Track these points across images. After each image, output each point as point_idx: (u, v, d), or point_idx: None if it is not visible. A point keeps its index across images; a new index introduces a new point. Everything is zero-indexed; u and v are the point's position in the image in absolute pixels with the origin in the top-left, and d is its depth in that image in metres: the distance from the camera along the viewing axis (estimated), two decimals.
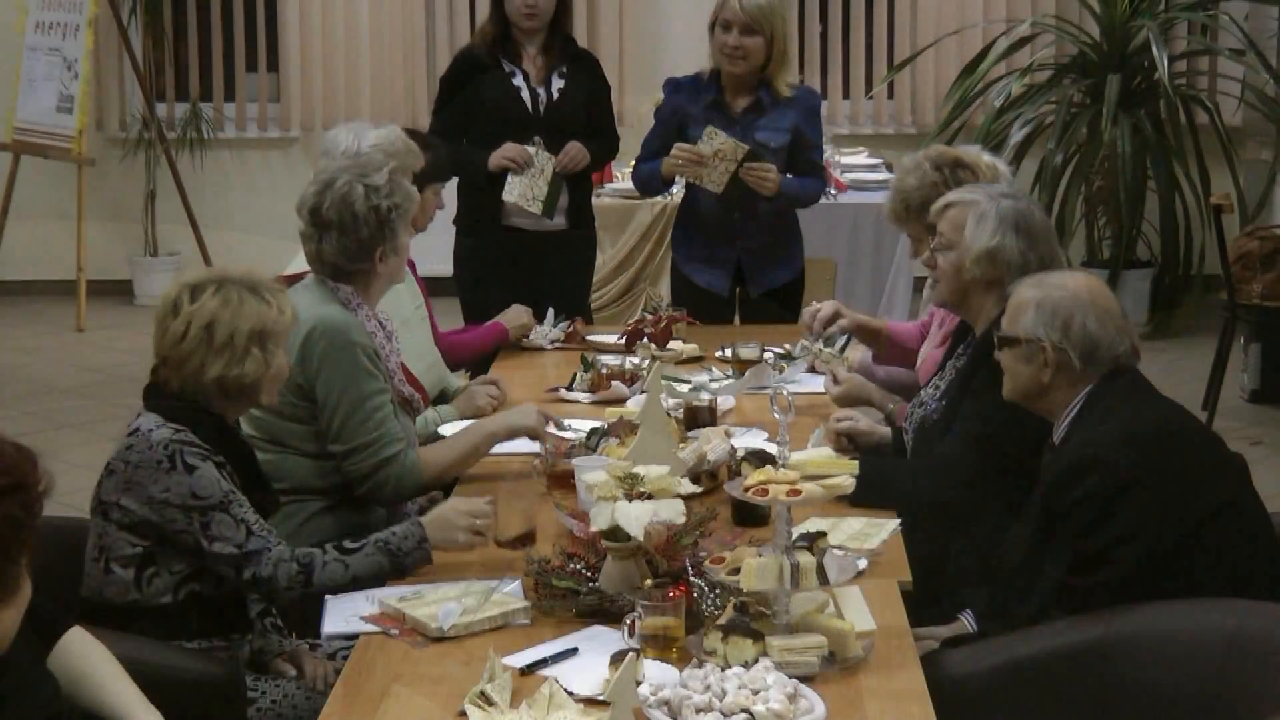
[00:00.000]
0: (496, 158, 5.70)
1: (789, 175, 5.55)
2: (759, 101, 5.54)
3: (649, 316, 5.19)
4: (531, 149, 5.72)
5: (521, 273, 5.80)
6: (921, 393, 4.02)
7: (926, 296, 4.59)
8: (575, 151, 5.75)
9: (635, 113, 9.29)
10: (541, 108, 5.75)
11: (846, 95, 9.73)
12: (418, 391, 4.10)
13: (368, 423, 3.80)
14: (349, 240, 3.89)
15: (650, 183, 5.76)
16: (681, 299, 5.72)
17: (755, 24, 5.43)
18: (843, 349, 4.82)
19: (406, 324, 4.49)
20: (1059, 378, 3.39)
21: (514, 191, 5.72)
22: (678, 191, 7.66)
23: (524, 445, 4.13)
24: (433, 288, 5.29)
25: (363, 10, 9.60)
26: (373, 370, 3.82)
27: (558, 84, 5.78)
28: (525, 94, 5.75)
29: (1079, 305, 3.39)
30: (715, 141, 5.42)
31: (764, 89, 5.53)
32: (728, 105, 5.56)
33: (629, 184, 7.82)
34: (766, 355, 4.83)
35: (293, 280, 3.98)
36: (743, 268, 5.65)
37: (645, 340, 5.05)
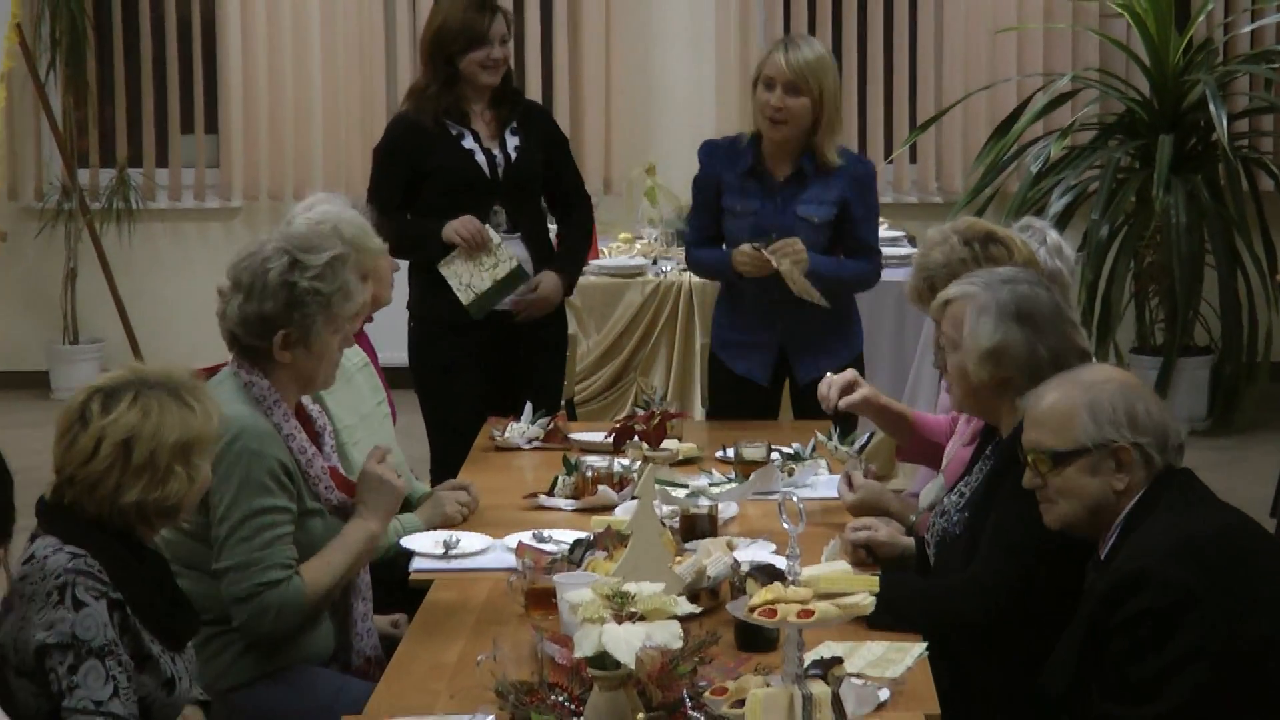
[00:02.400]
0: (450, 229, 5.72)
1: (831, 260, 5.60)
2: (802, 170, 5.60)
3: (640, 412, 5.21)
4: (494, 236, 5.75)
5: (485, 361, 5.84)
6: (945, 500, 4.02)
7: (944, 401, 4.62)
8: (541, 303, 5.80)
9: (623, 181, 9.37)
10: (500, 170, 5.80)
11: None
12: (353, 497, 4.10)
13: (252, 540, 3.78)
14: (250, 308, 3.87)
15: (722, 274, 5.75)
16: (718, 390, 5.76)
17: (801, 82, 5.49)
18: (861, 448, 4.84)
19: (366, 420, 4.51)
20: (1134, 479, 3.41)
21: (450, 266, 5.75)
22: (673, 269, 7.74)
23: (498, 561, 4.15)
24: (401, 379, 5.34)
25: (314, 66, 9.67)
26: (272, 485, 3.80)
27: (513, 141, 5.83)
28: (480, 157, 5.79)
29: (1133, 393, 3.43)
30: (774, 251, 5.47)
31: (808, 156, 5.60)
32: (767, 173, 5.63)
33: (617, 259, 7.89)
34: (774, 456, 4.85)
35: (212, 372, 4.01)
36: (787, 353, 5.71)
37: (636, 439, 5.07)
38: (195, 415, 3.35)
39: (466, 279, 5.75)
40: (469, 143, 5.79)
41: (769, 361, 5.72)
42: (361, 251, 4.38)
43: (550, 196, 6.02)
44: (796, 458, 4.93)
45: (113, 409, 3.29)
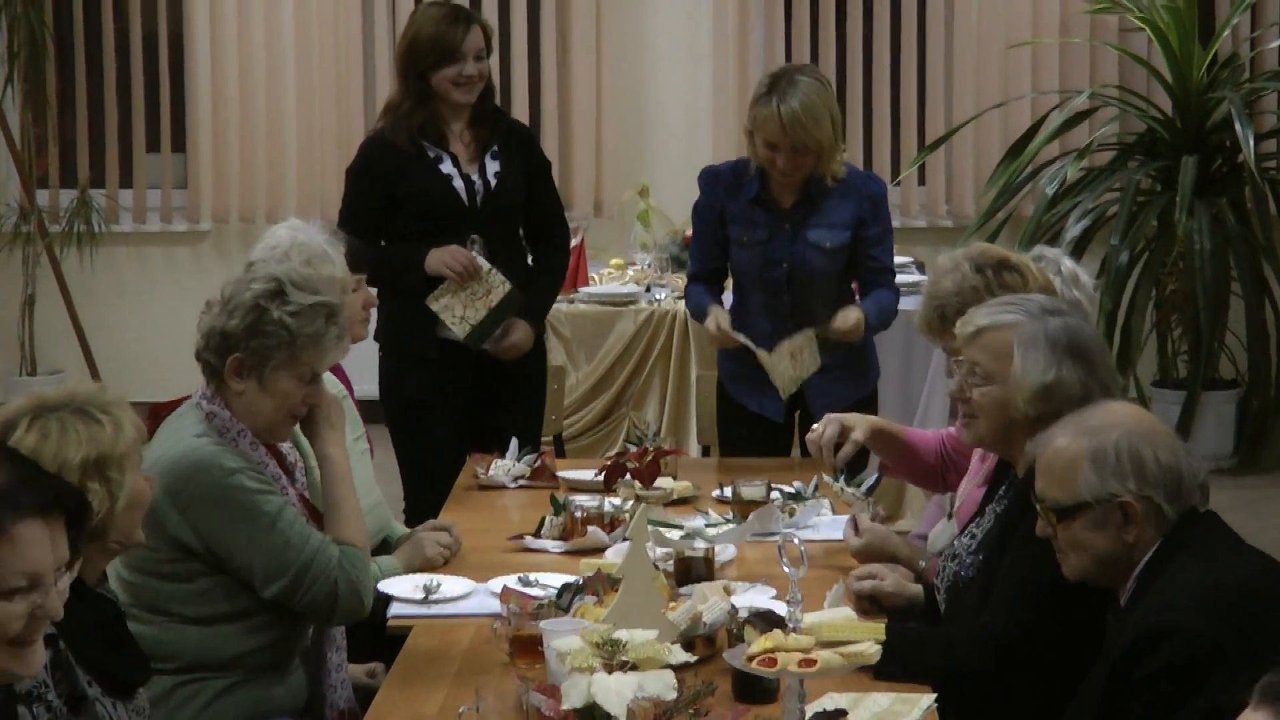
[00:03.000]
0: (438, 262, 5.71)
1: (861, 303, 5.65)
2: (810, 195, 5.64)
3: (632, 449, 5.21)
4: (483, 263, 5.75)
5: (458, 396, 5.84)
6: (955, 543, 4.02)
7: (958, 432, 4.62)
8: (511, 350, 5.84)
9: (615, 204, 9.38)
10: (478, 198, 5.79)
11: None
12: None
13: (291, 544, 3.83)
14: (217, 320, 3.91)
15: (698, 319, 5.87)
16: (729, 429, 5.76)
17: (801, 142, 5.50)
18: (870, 489, 4.83)
19: None
20: (1145, 532, 3.38)
21: (441, 301, 5.75)
22: (667, 296, 7.75)
23: (481, 606, 4.14)
24: (377, 413, 5.33)
25: (288, 81, 9.68)
26: (263, 487, 3.85)
27: (493, 166, 5.82)
28: (458, 182, 5.77)
29: (1140, 438, 3.39)
30: (785, 347, 5.55)
31: (815, 179, 5.63)
32: (774, 201, 5.66)
33: (608, 287, 7.90)
34: (774, 496, 4.85)
35: (174, 406, 4.02)
36: (802, 387, 5.72)
37: (628, 477, 5.08)
38: (104, 429, 3.30)
39: (459, 311, 5.74)
40: (447, 167, 5.78)
41: (780, 397, 5.74)
42: (342, 304, 4.34)
43: (526, 224, 5.98)
44: (798, 497, 4.93)
45: (9, 437, 3.25)
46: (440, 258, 5.71)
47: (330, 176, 9.59)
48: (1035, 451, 3.50)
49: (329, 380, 4.40)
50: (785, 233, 5.63)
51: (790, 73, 5.57)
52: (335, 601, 3.87)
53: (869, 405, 5.71)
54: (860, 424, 4.76)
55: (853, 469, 4.97)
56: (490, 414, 5.86)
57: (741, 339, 5.59)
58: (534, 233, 6.00)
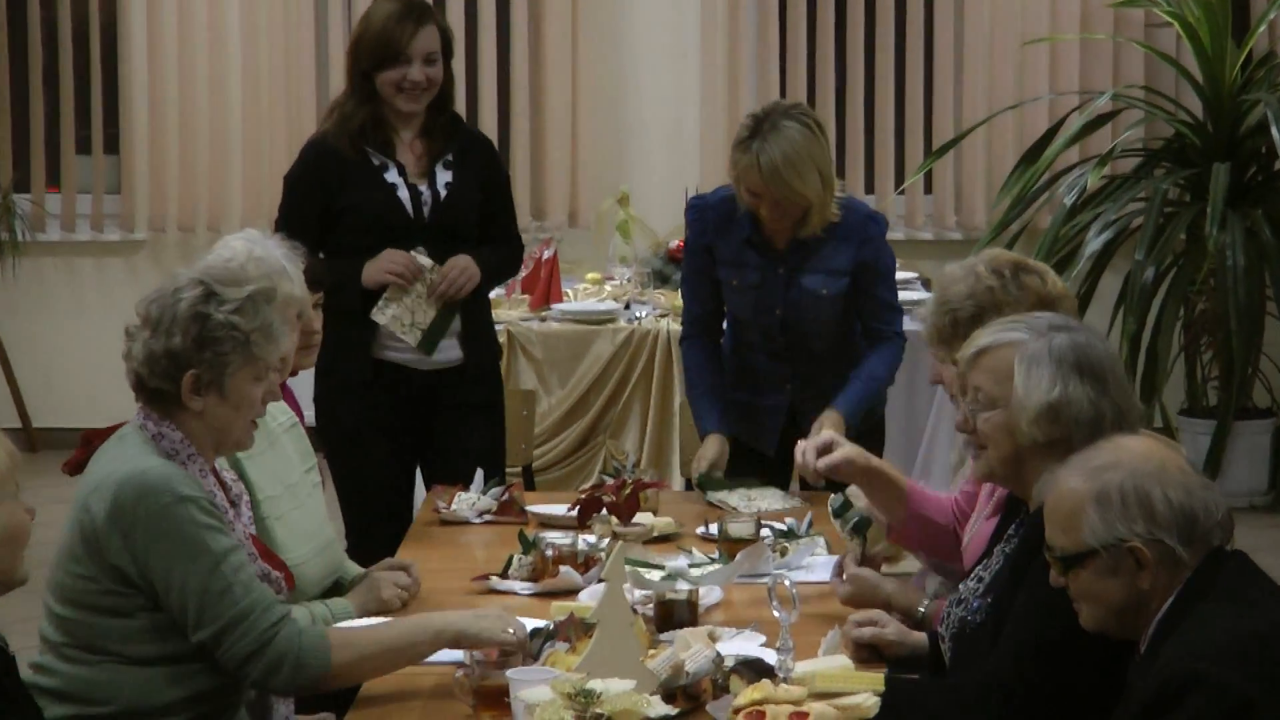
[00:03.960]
0: (376, 270, 5.70)
1: (856, 386, 5.60)
2: (802, 238, 5.59)
3: (609, 481, 5.21)
4: (425, 261, 5.75)
5: (398, 424, 5.84)
6: (962, 586, 4.02)
7: (956, 460, 4.61)
8: (458, 273, 5.75)
9: (592, 213, 9.39)
10: (425, 210, 5.77)
11: (870, 189, 9.84)
12: (277, 570, 4.10)
13: (232, 589, 3.79)
14: (157, 343, 3.88)
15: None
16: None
17: (784, 197, 5.44)
18: (857, 527, 4.73)
19: (292, 490, 4.50)
20: (1160, 577, 3.39)
21: (387, 312, 5.75)
22: (649, 314, 7.76)
23: (442, 653, 4.14)
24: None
25: (233, 78, 9.70)
26: (215, 523, 3.83)
27: (444, 177, 5.80)
28: (403, 193, 5.76)
29: (1149, 478, 3.39)
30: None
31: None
32: (766, 243, 5.62)
33: (584, 304, 7.90)
34: (764, 533, 4.86)
35: (108, 434, 4.02)
36: (799, 417, 5.71)
37: (604, 513, 5.08)
38: None
39: (408, 319, 5.75)
40: (392, 176, 5.77)
41: (776, 427, 5.75)
42: (287, 292, 4.36)
43: (479, 241, 5.92)
44: (790, 535, 4.94)
45: None
46: (377, 265, 5.70)
47: (279, 182, 9.55)
48: (1043, 495, 3.51)
49: (277, 407, 4.41)
50: (779, 278, 5.61)
51: (775, 115, 5.46)
52: (258, 662, 3.81)
53: (874, 436, 5.72)
54: (855, 452, 4.60)
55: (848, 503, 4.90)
56: (435, 446, 5.86)
57: (729, 505, 5.46)
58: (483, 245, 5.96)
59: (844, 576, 4.45)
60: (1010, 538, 3.96)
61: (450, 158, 5.82)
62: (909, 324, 5.96)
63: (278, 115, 9.69)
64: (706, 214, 5.70)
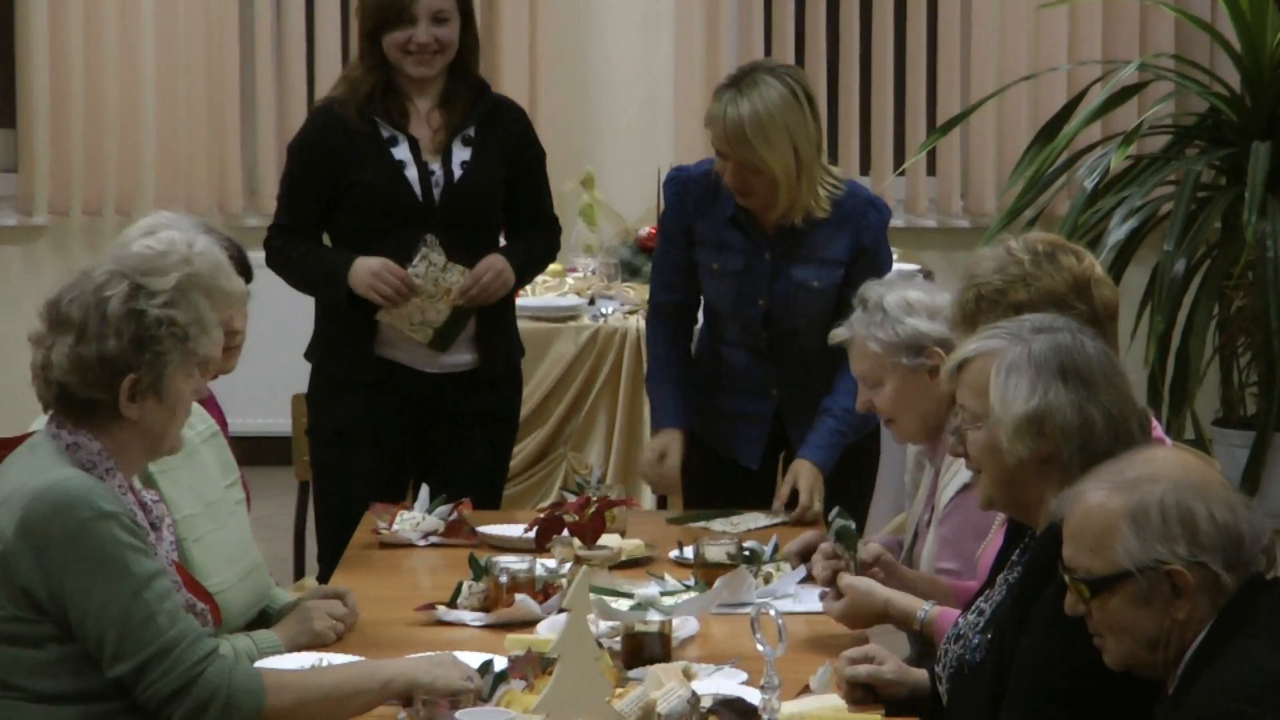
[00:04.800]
0: (361, 282, 5.67)
1: (828, 424, 5.58)
2: (794, 221, 5.58)
3: (571, 498, 5.22)
4: (426, 261, 5.68)
5: (394, 431, 5.85)
6: (961, 620, 4.01)
7: (909, 483, 4.64)
8: (492, 276, 5.74)
9: (554, 196, 9.37)
10: (436, 192, 5.76)
11: (865, 171, 9.87)
12: (203, 601, 4.11)
13: (156, 619, 3.78)
14: (86, 349, 3.85)
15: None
16: (692, 475, 5.76)
17: (748, 161, 5.43)
18: (842, 536, 4.63)
19: (213, 509, 4.49)
20: (1199, 606, 3.39)
21: (393, 312, 5.71)
22: (616, 311, 7.75)
23: None
24: (258, 454, 5.31)
25: (146, 45, 9.67)
26: (138, 544, 3.81)
27: (461, 155, 5.80)
28: (411, 172, 5.76)
29: (1191, 492, 3.38)
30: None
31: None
32: (754, 223, 5.62)
33: (543, 299, 7.92)
34: (745, 554, 4.87)
35: (16, 443, 4.02)
36: (785, 426, 5.74)
37: (565, 534, 5.08)
38: None
39: (418, 317, 5.69)
40: (401, 152, 5.76)
41: (760, 437, 5.76)
42: (216, 279, 4.37)
43: (508, 226, 5.94)
44: (752, 559, 4.88)
45: None
46: (364, 278, 5.67)
47: (198, 161, 9.60)
48: (1061, 511, 3.50)
49: (195, 415, 4.40)
50: (764, 265, 5.60)
51: (760, 70, 5.49)
52: (183, 702, 3.79)
53: (868, 454, 5.73)
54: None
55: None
56: (434, 460, 5.86)
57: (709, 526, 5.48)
58: (512, 234, 5.96)
59: (836, 588, 4.43)
60: (1014, 564, 3.96)
61: (471, 132, 5.82)
62: None
63: (196, 87, 9.67)
64: (688, 187, 5.69)
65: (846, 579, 4.43)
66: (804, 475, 5.49)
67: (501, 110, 5.94)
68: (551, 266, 8.25)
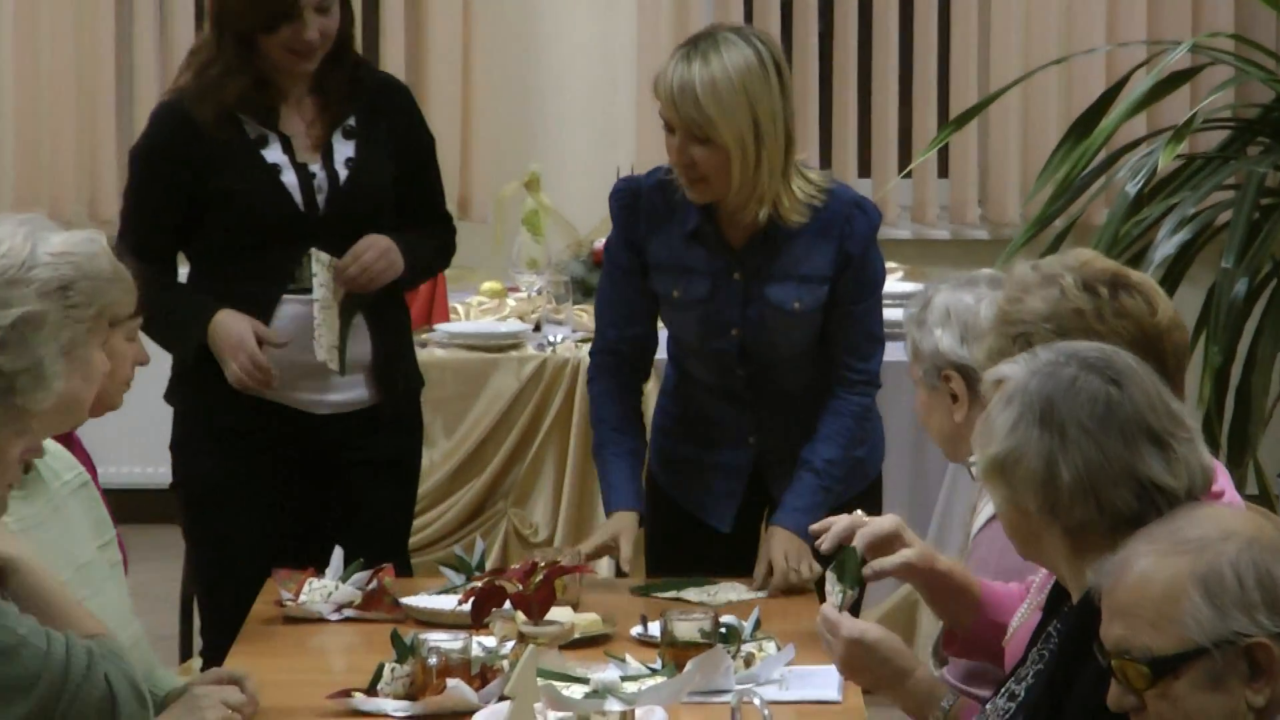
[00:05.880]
0: (223, 342, 5.63)
1: (807, 481, 5.61)
2: (767, 231, 5.55)
3: (514, 565, 5.21)
4: (318, 280, 5.66)
5: (280, 482, 5.86)
6: (989, 706, 4.03)
7: (962, 540, 4.64)
8: (375, 255, 5.72)
9: (490, 201, 9.41)
10: (320, 199, 5.77)
11: (865, 174, 9.94)
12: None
13: (27, 642, 3.81)
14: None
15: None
16: (657, 536, 5.80)
17: (695, 125, 5.40)
18: (842, 560, 4.61)
19: (85, 572, 4.49)
20: None
21: (323, 342, 5.69)
22: (565, 339, 7.76)
23: None
24: (135, 509, 5.27)
25: (3, 24, 9.74)
26: None
27: (344, 150, 5.80)
28: (289, 176, 5.75)
29: (1268, 552, 3.37)
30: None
31: (773, 207, 5.53)
32: (720, 238, 5.58)
33: (479, 325, 7.93)
34: (722, 631, 4.87)
35: None
36: (766, 479, 5.76)
37: (507, 607, 5.08)
38: None
39: (326, 341, 5.66)
40: (274, 154, 5.75)
41: (734, 493, 5.77)
42: (98, 287, 4.31)
43: (397, 225, 5.90)
44: (729, 638, 4.88)
45: None
46: (223, 339, 5.64)
47: (65, 155, 9.65)
48: (1102, 584, 3.48)
49: (61, 462, 4.39)
50: (734, 287, 5.57)
51: (726, 31, 5.51)
52: (115, 706, 3.87)
53: (870, 500, 5.72)
54: (918, 556, 4.49)
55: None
56: (326, 516, 5.89)
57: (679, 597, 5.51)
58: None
59: (836, 630, 4.39)
60: (1049, 638, 3.96)
61: (353, 122, 5.82)
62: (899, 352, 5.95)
63: (64, 70, 9.76)
64: (638, 201, 5.66)
65: (831, 614, 4.35)
66: (777, 545, 5.50)
67: (387, 92, 5.98)
68: (487, 285, 8.30)
